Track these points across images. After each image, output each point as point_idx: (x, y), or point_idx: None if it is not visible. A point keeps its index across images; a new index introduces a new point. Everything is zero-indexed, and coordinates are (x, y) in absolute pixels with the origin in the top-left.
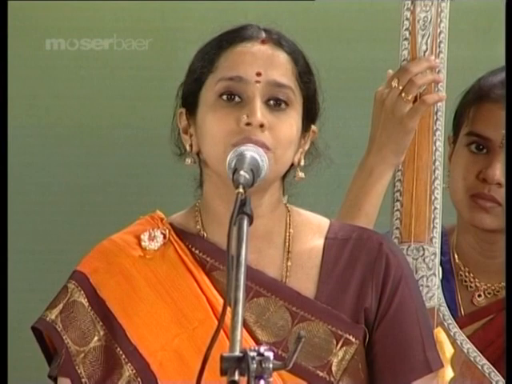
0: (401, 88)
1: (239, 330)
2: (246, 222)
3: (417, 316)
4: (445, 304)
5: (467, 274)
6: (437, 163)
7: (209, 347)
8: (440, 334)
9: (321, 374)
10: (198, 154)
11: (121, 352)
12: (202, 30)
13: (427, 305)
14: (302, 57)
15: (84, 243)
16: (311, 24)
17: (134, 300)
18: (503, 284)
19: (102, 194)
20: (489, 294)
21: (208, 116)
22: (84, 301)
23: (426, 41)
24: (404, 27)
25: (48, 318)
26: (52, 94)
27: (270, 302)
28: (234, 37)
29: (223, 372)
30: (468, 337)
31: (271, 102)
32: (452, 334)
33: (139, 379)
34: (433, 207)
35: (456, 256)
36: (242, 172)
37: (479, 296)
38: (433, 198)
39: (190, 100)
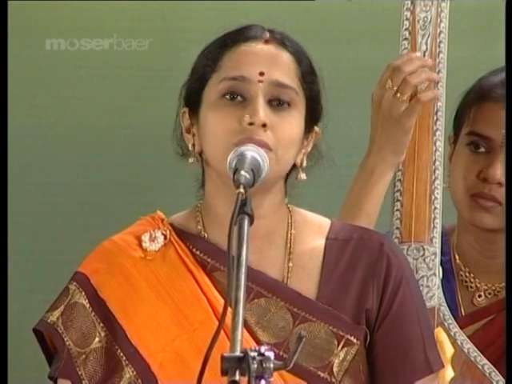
0: (395, 88)
1: (240, 330)
2: (246, 222)
3: (417, 316)
4: (445, 304)
5: (467, 274)
6: (437, 163)
7: (209, 347)
8: (440, 334)
9: (322, 374)
10: (201, 153)
11: (121, 354)
12: (202, 29)
13: (427, 305)
14: (306, 57)
15: (84, 243)
16: (311, 24)
17: (134, 301)
18: (504, 284)
19: (102, 194)
20: (489, 294)
21: (210, 115)
22: (85, 302)
23: (426, 41)
24: (404, 27)
25: (49, 320)
26: (52, 94)
27: (271, 303)
28: (238, 36)
29: (224, 372)
30: (468, 337)
31: (274, 103)
32: (452, 333)
33: (140, 381)
34: (433, 207)
35: (457, 256)
36: (242, 172)
37: (479, 296)
38: (433, 197)
39: (192, 99)
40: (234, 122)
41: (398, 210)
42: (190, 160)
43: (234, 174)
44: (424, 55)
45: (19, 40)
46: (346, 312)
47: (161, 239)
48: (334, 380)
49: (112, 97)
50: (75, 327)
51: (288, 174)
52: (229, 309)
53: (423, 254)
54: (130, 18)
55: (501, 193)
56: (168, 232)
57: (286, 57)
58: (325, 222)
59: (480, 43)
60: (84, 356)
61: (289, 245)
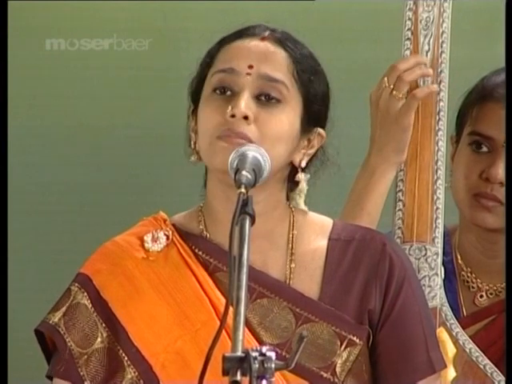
0: (392, 87)
1: (241, 330)
2: (247, 222)
3: (420, 317)
4: (447, 304)
5: (469, 274)
6: (439, 163)
7: (211, 347)
8: (442, 334)
9: (325, 375)
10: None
11: (123, 354)
12: (202, 29)
13: (429, 305)
14: (308, 58)
15: (84, 243)
16: (311, 24)
17: (136, 301)
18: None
19: (102, 194)
20: (491, 294)
21: (202, 110)
22: (87, 302)
23: (429, 41)
24: (406, 27)
25: (51, 321)
26: (52, 94)
27: (274, 303)
28: (236, 34)
29: (225, 372)
30: (470, 337)
31: (262, 97)
32: (454, 333)
33: (141, 381)
34: (435, 207)
35: (459, 256)
36: (243, 172)
37: (481, 296)
38: (435, 197)
39: (194, 97)
40: (220, 115)
41: (399, 209)
42: (191, 158)
43: (236, 173)
44: (426, 55)
45: (19, 40)
46: (349, 312)
47: (163, 240)
48: (336, 380)
49: (112, 97)
50: (77, 328)
51: (289, 175)
52: (231, 309)
53: (425, 254)
54: (130, 17)
55: (503, 192)
56: (170, 232)
57: (280, 54)
58: (327, 222)
59: (482, 43)
60: (86, 356)
61: (291, 245)
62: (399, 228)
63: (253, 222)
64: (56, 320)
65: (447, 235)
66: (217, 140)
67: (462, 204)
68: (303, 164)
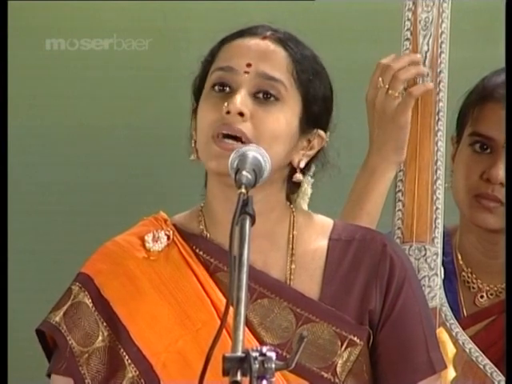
0: (387, 86)
1: (241, 330)
2: (248, 222)
3: (420, 317)
4: (447, 304)
5: (470, 274)
6: (438, 163)
7: (211, 347)
8: (442, 334)
9: (325, 375)
10: None
11: (124, 353)
12: (202, 29)
13: (429, 305)
14: (309, 59)
15: (84, 243)
16: (311, 24)
17: (137, 301)
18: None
19: (102, 194)
20: (491, 294)
21: (200, 107)
22: (88, 301)
23: (428, 41)
24: (405, 27)
25: (52, 321)
26: (52, 94)
27: (274, 304)
28: (238, 33)
29: (225, 372)
30: (470, 338)
31: (260, 95)
32: (454, 333)
33: (142, 380)
34: (435, 207)
35: (459, 256)
36: (244, 172)
37: (481, 297)
38: (434, 198)
39: (197, 95)
40: (216, 112)
41: (399, 210)
42: (192, 157)
43: (236, 174)
44: (426, 56)
45: (19, 40)
46: (349, 313)
47: (164, 239)
48: (337, 380)
49: (112, 97)
50: (78, 326)
51: (290, 176)
52: (231, 309)
53: (425, 254)
54: (130, 18)
55: (503, 193)
56: (171, 232)
57: (280, 53)
58: (327, 223)
59: (481, 43)
60: (87, 355)
61: (291, 246)
62: (399, 228)
63: (253, 222)
64: (58, 319)
65: (447, 235)
66: (211, 141)
67: (463, 204)
68: (302, 165)
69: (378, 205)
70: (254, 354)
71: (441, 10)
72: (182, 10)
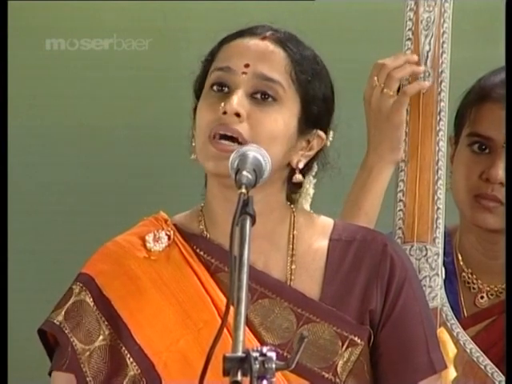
0: (382, 85)
1: (242, 330)
2: (248, 223)
3: (421, 317)
4: (447, 304)
5: (470, 275)
6: (440, 163)
7: (211, 347)
8: (443, 334)
9: (326, 375)
10: None
11: (126, 352)
12: (202, 29)
13: (430, 305)
14: (309, 60)
15: (84, 243)
16: (311, 24)
17: (139, 301)
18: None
19: (102, 194)
20: (491, 295)
21: (199, 107)
22: (89, 300)
23: (429, 41)
24: (407, 27)
25: (55, 320)
26: (52, 94)
27: (275, 304)
28: (238, 33)
29: (226, 372)
30: (471, 338)
31: (258, 96)
32: (455, 334)
33: (144, 379)
34: (436, 207)
35: (459, 257)
36: (244, 172)
37: (482, 297)
38: (436, 198)
39: (198, 95)
40: (214, 112)
41: (400, 210)
42: (192, 156)
43: (236, 174)
44: (427, 55)
45: (19, 40)
46: (350, 313)
47: (165, 239)
48: (338, 380)
49: (112, 97)
50: (80, 324)
51: (290, 176)
52: (232, 309)
53: (426, 254)
54: (130, 18)
55: (503, 193)
56: (172, 232)
57: (279, 54)
58: (328, 223)
59: (483, 43)
60: (88, 353)
61: (291, 246)
62: (400, 228)
63: (253, 222)
64: (60, 319)
65: (448, 235)
66: (208, 141)
67: (463, 205)
68: (301, 165)
69: (376, 204)
70: (255, 354)
71: (442, 10)
72: (182, 9)
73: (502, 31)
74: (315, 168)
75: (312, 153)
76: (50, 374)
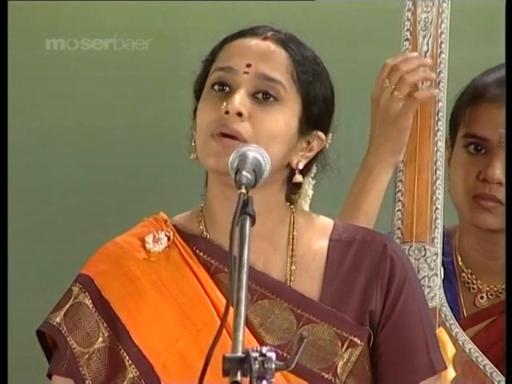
0: (393, 87)
1: (241, 331)
2: (247, 223)
3: (420, 317)
4: (446, 304)
5: (469, 275)
6: (438, 163)
7: (211, 348)
8: (442, 334)
9: (326, 375)
10: None
11: (124, 354)
12: (202, 29)
13: (429, 305)
14: (310, 60)
15: (84, 243)
16: (311, 24)
17: (138, 302)
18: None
19: (102, 194)
20: (491, 295)
21: (200, 107)
22: (88, 302)
23: (427, 41)
24: (405, 28)
25: (53, 322)
26: (52, 94)
27: (275, 305)
28: (240, 33)
29: (225, 372)
30: (471, 338)
31: (259, 95)
32: (454, 334)
33: (143, 381)
34: (434, 207)
35: (459, 257)
36: (244, 172)
37: (481, 298)
38: (434, 198)
39: (198, 95)
40: (215, 112)
41: (399, 210)
42: (191, 156)
43: (236, 174)
44: (425, 56)
45: (19, 40)
46: (350, 313)
47: (164, 240)
48: (338, 381)
49: (112, 97)
50: (79, 327)
51: (290, 177)
52: (232, 309)
53: (425, 255)
54: (130, 18)
55: (501, 192)
56: (171, 233)
57: (280, 54)
58: (328, 223)
59: (481, 43)
60: (87, 356)
61: (291, 246)
62: (398, 228)
63: (253, 222)
64: (58, 320)
65: (447, 236)
66: (210, 138)
67: (462, 206)
68: (300, 166)
69: (375, 205)
70: (254, 355)
71: (440, 11)
72: (182, 9)
73: (501, 31)
74: (314, 169)
75: (312, 154)
76: (48, 377)
